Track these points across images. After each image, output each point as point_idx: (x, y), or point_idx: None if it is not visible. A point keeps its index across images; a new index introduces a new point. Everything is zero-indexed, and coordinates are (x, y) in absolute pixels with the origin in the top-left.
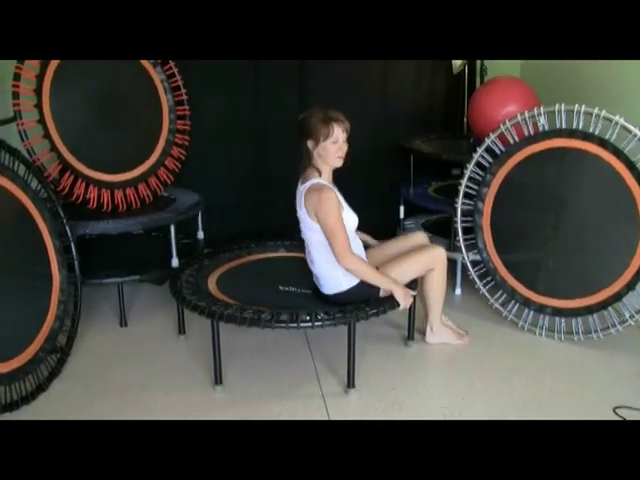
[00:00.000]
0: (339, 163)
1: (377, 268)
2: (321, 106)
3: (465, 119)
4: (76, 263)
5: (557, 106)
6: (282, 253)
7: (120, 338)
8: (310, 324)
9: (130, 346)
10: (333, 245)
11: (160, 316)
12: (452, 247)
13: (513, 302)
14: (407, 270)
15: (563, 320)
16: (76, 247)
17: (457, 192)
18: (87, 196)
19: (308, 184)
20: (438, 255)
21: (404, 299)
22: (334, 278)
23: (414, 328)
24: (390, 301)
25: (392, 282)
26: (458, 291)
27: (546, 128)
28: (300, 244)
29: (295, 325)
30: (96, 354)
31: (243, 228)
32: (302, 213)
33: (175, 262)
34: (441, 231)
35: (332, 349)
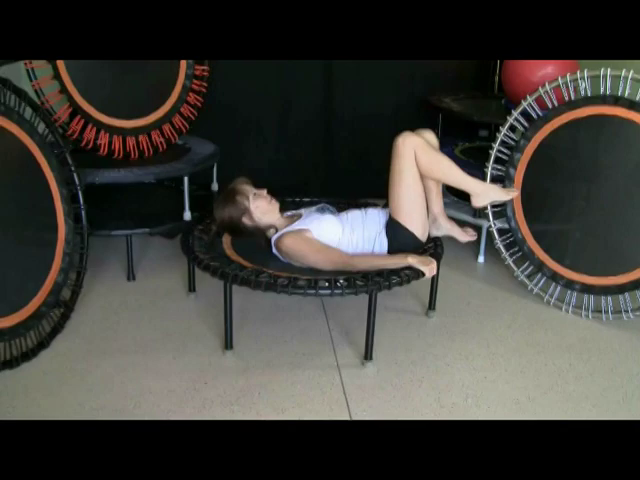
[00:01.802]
0: (276, 204)
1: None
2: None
3: (497, 77)
4: (83, 213)
5: (602, 70)
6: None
7: (127, 294)
8: (329, 292)
9: (137, 303)
10: (332, 265)
11: (170, 271)
12: (478, 213)
13: (540, 275)
14: (402, 183)
15: (592, 297)
16: (84, 196)
17: (486, 155)
18: (98, 142)
19: (273, 246)
20: (401, 142)
21: (425, 265)
22: None
23: (436, 298)
24: (415, 270)
25: (403, 257)
26: (481, 259)
27: (589, 94)
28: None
29: (313, 292)
30: (101, 310)
31: (259, 181)
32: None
33: (188, 216)
34: (467, 194)
35: (350, 317)
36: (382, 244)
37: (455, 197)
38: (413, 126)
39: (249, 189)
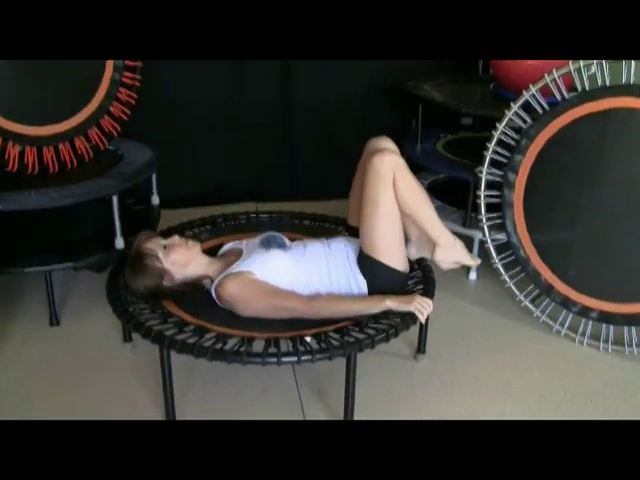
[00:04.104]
0: (194, 246)
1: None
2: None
3: None
4: None
5: None
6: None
7: (48, 344)
8: (295, 358)
9: (60, 357)
10: (288, 313)
11: (102, 312)
12: (468, 222)
13: (548, 300)
14: (379, 213)
15: (612, 328)
16: None
17: (472, 149)
18: (5, 156)
19: (215, 297)
20: (379, 161)
21: (409, 304)
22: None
23: (426, 339)
24: (404, 320)
25: (380, 300)
26: (473, 275)
27: (608, 82)
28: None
29: (275, 360)
30: (13, 369)
31: (210, 186)
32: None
33: (120, 243)
34: (452, 197)
35: (322, 369)
36: (360, 286)
37: (438, 201)
38: (387, 114)
39: (156, 245)
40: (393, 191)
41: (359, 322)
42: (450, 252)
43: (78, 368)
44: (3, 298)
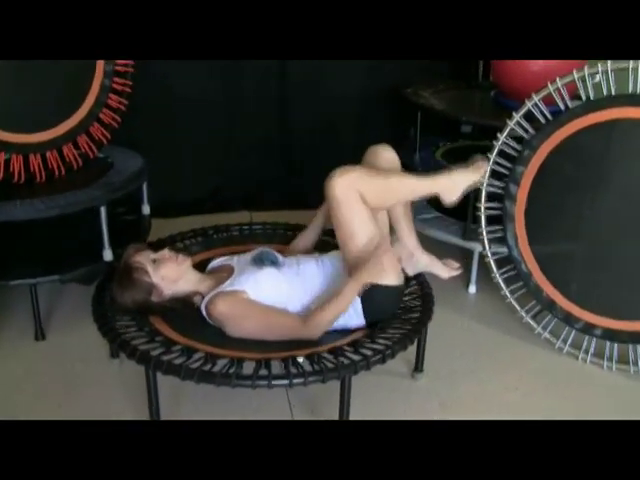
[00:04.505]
0: (184, 261)
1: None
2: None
3: (480, 62)
4: None
5: (632, 63)
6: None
7: (33, 359)
8: (287, 382)
9: (45, 373)
10: (280, 336)
11: (89, 326)
12: (468, 235)
13: (550, 316)
14: (352, 237)
15: (616, 345)
16: None
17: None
18: None
19: (205, 314)
20: (335, 185)
21: (386, 265)
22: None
23: (423, 356)
24: (402, 341)
25: (357, 282)
26: (472, 289)
27: (613, 92)
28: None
29: (265, 383)
30: None
31: (201, 193)
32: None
33: (108, 255)
34: (451, 208)
35: (316, 392)
36: (355, 307)
37: (436, 211)
38: (385, 120)
39: (145, 259)
40: (362, 206)
41: (354, 342)
42: (454, 190)
43: (64, 384)
44: None
